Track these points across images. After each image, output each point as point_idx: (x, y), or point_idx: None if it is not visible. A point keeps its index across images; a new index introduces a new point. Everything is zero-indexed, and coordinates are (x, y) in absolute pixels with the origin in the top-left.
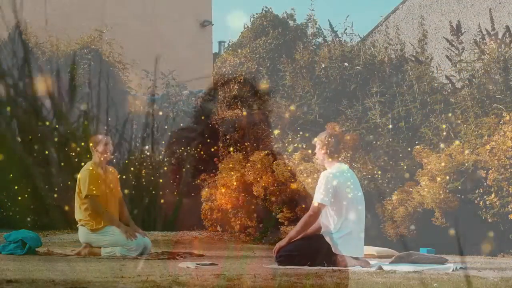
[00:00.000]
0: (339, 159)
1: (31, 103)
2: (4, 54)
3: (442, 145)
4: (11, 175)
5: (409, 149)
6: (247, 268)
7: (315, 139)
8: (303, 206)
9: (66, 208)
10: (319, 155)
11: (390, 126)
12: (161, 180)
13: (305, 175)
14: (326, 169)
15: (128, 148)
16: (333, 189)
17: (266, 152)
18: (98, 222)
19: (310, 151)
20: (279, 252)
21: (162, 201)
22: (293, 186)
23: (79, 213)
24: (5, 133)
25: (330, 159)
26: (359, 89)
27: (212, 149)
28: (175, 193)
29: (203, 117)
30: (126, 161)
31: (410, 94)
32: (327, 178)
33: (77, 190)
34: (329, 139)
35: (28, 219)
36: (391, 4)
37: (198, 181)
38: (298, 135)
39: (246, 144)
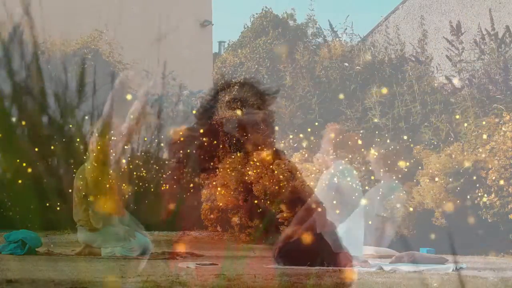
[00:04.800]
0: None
1: (35, 102)
2: (9, 53)
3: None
4: (13, 174)
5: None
6: (247, 268)
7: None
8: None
9: (67, 208)
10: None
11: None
12: (161, 180)
13: (305, 174)
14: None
15: (128, 148)
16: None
17: (266, 152)
18: (97, 222)
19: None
20: (279, 252)
21: (162, 201)
22: (293, 186)
23: (78, 213)
24: (10, 132)
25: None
26: (359, 89)
27: (212, 149)
28: (175, 193)
29: (203, 117)
30: (126, 161)
31: (410, 94)
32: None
33: (75, 190)
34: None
35: (28, 219)
36: (391, 4)
37: (198, 181)
38: (301, 135)
39: (246, 144)
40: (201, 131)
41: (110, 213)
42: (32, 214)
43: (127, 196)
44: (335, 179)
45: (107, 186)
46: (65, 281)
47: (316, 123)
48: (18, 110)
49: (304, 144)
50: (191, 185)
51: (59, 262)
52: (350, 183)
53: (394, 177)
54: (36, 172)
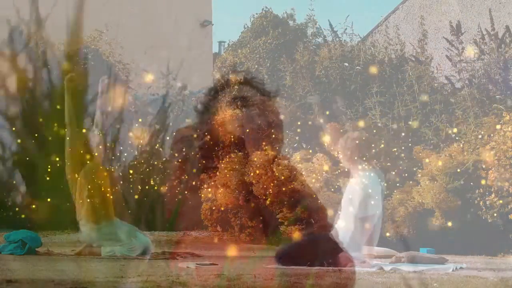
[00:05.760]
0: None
1: (36, 102)
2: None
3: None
4: (13, 174)
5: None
6: (247, 268)
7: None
8: (305, 205)
9: (67, 208)
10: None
11: (395, 126)
12: (161, 180)
13: (305, 174)
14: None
15: (128, 148)
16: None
17: (266, 152)
18: (97, 221)
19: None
20: (279, 252)
21: (162, 201)
22: (293, 185)
23: (80, 213)
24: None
25: (357, 165)
26: (359, 89)
27: (212, 149)
28: (176, 193)
29: (203, 117)
30: (127, 161)
31: (410, 94)
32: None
33: (78, 190)
34: (355, 141)
35: (28, 219)
36: (391, 4)
37: (198, 181)
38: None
39: (246, 144)
40: (201, 131)
41: (108, 212)
42: (33, 214)
43: (112, 197)
44: (371, 191)
45: (107, 185)
46: (65, 281)
47: (310, 115)
48: (18, 109)
49: (304, 144)
50: (191, 185)
51: (59, 262)
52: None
53: (363, 168)
54: (36, 172)
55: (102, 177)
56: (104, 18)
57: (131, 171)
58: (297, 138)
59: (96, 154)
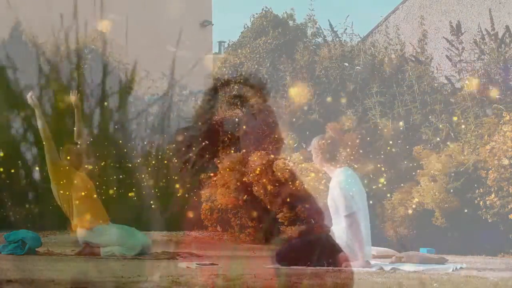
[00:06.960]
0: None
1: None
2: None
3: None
4: (12, 174)
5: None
6: (247, 268)
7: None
8: (305, 206)
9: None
10: (317, 161)
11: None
12: (161, 180)
13: (305, 174)
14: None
15: (129, 148)
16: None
17: (266, 152)
18: (91, 228)
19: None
20: (279, 253)
21: (162, 201)
22: (293, 186)
23: (75, 215)
24: (9, 132)
25: (330, 165)
26: (359, 89)
27: (212, 149)
28: (175, 193)
29: (203, 117)
30: (127, 161)
31: (410, 94)
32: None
33: (68, 200)
34: (325, 142)
35: (28, 219)
36: (391, 4)
37: (198, 181)
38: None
39: (246, 144)
40: (201, 130)
41: (101, 213)
42: (32, 214)
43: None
44: (347, 186)
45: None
46: (65, 281)
47: (310, 116)
48: (19, 111)
49: (304, 144)
50: (191, 185)
51: (59, 262)
52: (360, 188)
53: (336, 167)
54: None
55: (88, 184)
56: (104, 18)
57: (130, 171)
58: (302, 135)
59: (79, 162)
